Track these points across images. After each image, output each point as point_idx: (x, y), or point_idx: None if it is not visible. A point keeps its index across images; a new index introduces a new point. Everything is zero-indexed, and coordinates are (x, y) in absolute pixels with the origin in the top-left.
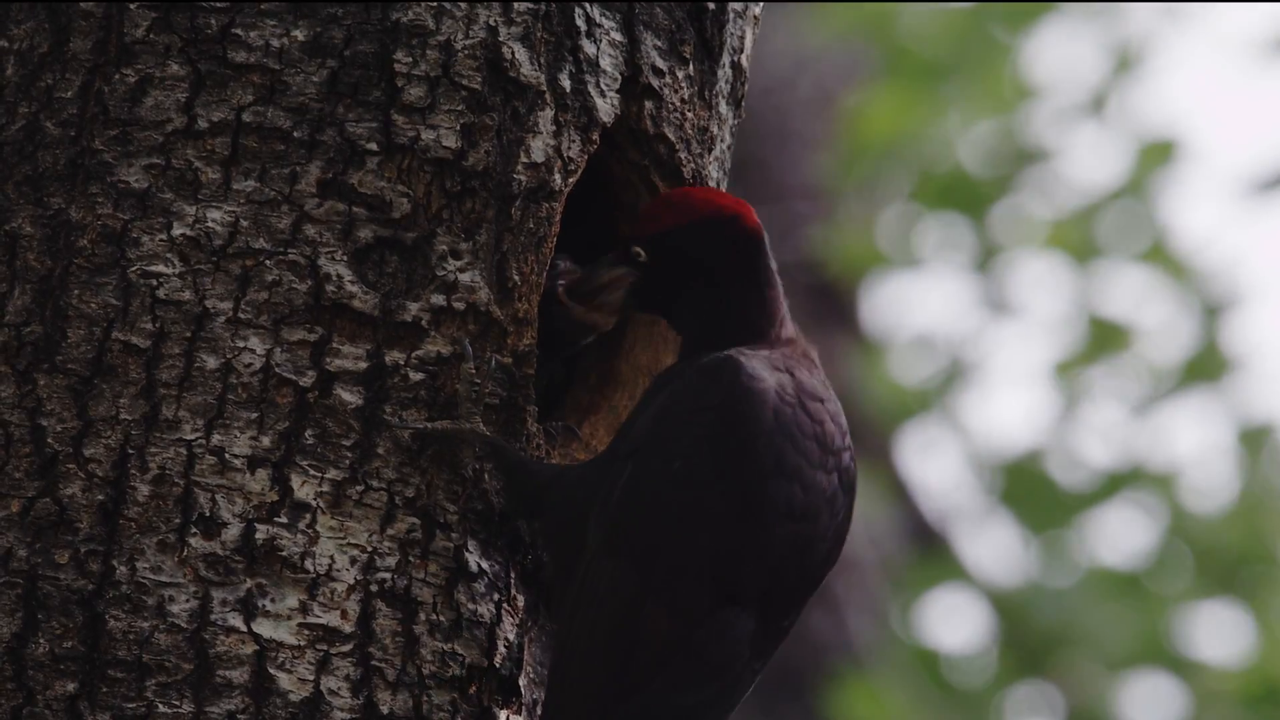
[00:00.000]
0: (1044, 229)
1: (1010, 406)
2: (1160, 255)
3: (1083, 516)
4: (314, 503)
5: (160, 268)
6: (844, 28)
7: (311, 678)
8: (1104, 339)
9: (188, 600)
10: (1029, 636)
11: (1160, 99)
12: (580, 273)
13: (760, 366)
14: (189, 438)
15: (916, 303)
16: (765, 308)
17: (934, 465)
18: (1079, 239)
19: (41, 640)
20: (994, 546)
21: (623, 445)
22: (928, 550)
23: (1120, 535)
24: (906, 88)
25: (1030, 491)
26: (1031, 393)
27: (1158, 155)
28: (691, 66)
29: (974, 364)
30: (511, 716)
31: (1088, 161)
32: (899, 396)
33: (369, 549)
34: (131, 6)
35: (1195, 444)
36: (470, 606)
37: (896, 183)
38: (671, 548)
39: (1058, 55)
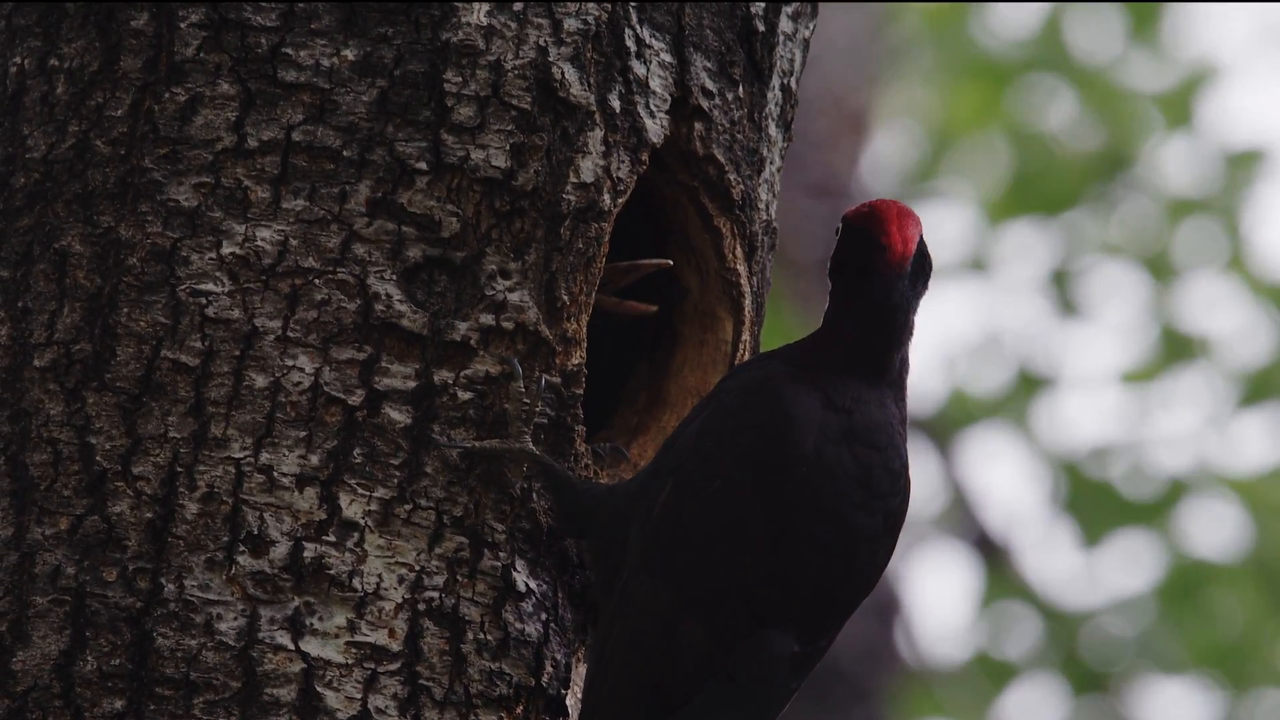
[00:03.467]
0: (1121, 237)
1: (1080, 415)
2: (1238, 266)
3: (1149, 525)
4: (362, 521)
5: (209, 286)
6: (918, 25)
7: (359, 696)
8: (1177, 349)
9: (235, 618)
10: (1090, 647)
11: (1244, 110)
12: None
13: (805, 391)
14: (237, 456)
15: (987, 308)
16: (883, 346)
17: (999, 473)
18: (1156, 248)
19: (89, 658)
20: (1058, 556)
21: (666, 460)
22: (990, 560)
23: (1189, 542)
24: (983, 89)
25: (1096, 500)
26: (1102, 401)
27: (1243, 166)
28: (741, 88)
29: (1044, 371)
30: None
31: (1169, 170)
32: (964, 403)
33: (417, 568)
34: (182, 25)
35: (1267, 454)
36: (518, 626)
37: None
38: (708, 565)
39: (1143, 64)
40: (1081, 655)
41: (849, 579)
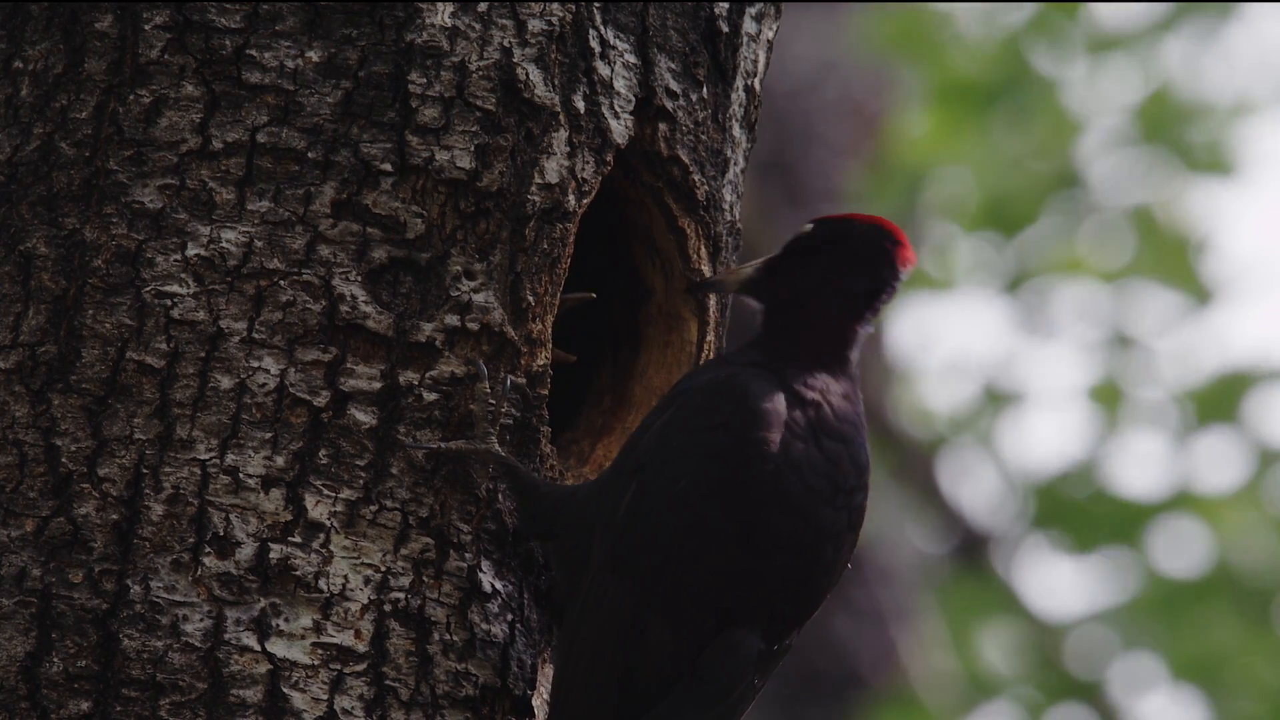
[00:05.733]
0: (1079, 252)
1: (1046, 430)
2: (1191, 276)
3: (1118, 539)
4: (328, 522)
5: (175, 288)
6: (885, 45)
7: (325, 697)
8: (1138, 365)
9: (202, 619)
10: (1069, 658)
11: (1202, 125)
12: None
13: (770, 388)
14: (203, 457)
15: (951, 326)
16: (852, 330)
17: (972, 488)
18: (1113, 262)
19: (55, 659)
20: (1035, 569)
21: (628, 461)
22: (970, 569)
23: (1158, 559)
24: (947, 111)
25: (1066, 515)
26: (1067, 416)
27: (1202, 177)
28: (705, 89)
29: (1009, 387)
30: None
31: (1124, 185)
32: (931, 421)
33: (383, 569)
34: (146, 27)
35: (1230, 469)
36: (484, 626)
37: (932, 205)
38: (674, 566)
39: (1099, 79)
40: (1064, 665)
41: (815, 577)
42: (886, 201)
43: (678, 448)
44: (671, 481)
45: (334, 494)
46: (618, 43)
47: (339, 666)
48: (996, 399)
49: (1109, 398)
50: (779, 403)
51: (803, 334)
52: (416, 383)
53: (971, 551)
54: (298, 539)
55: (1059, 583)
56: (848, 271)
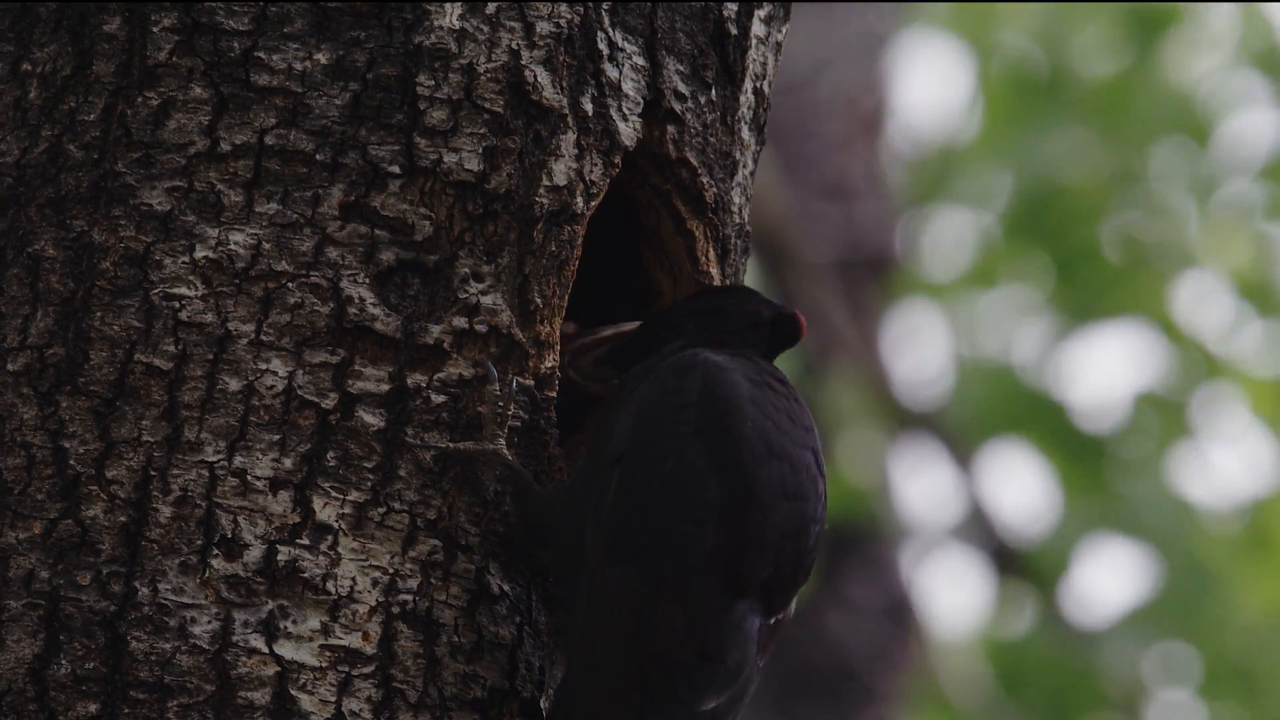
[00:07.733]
0: (1131, 253)
1: (1095, 426)
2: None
3: (1157, 540)
4: (336, 524)
5: (182, 290)
6: (941, 27)
7: (333, 699)
8: (1193, 363)
9: (209, 621)
10: (1104, 659)
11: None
12: (579, 340)
13: (725, 359)
14: (211, 459)
15: (995, 322)
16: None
17: (1015, 486)
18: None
19: (63, 661)
20: (1069, 568)
21: (604, 452)
22: (1006, 571)
23: (1198, 557)
24: (994, 103)
25: (1105, 514)
26: (1112, 416)
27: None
28: (714, 91)
29: (1055, 388)
30: None
31: (1180, 186)
32: (977, 417)
33: (391, 571)
34: (154, 29)
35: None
36: (492, 629)
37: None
38: (676, 546)
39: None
40: (1096, 668)
41: (807, 528)
42: (887, 198)
43: (655, 430)
44: (658, 464)
45: (342, 496)
46: (626, 45)
47: (347, 668)
48: (1036, 398)
49: (1157, 399)
50: (736, 365)
51: (708, 324)
52: (424, 385)
53: (1007, 551)
54: (305, 541)
55: (1093, 583)
56: (744, 303)
